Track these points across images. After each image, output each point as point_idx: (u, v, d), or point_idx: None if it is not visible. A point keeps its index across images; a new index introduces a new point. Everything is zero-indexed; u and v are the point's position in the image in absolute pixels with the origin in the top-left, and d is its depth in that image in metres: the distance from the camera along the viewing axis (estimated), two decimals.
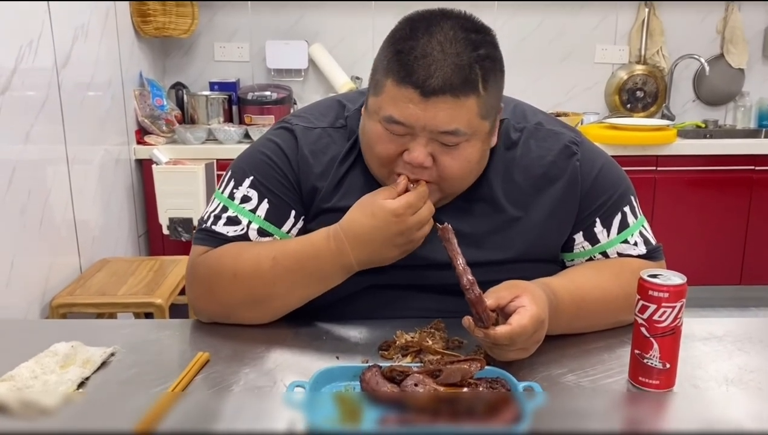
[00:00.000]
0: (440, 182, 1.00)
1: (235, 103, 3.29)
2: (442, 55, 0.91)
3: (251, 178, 1.08)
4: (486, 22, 0.98)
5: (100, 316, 2.23)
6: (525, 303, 0.88)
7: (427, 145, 0.96)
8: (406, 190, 0.98)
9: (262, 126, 3.09)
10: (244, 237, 1.06)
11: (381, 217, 0.96)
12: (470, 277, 0.88)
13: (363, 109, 1.05)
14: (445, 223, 0.93)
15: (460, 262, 0.90)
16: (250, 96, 3.20)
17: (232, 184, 1.09)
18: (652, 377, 0.88)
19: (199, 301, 1.08)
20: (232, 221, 1.07)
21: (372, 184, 1.07)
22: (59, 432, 0.79)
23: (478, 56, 0.93)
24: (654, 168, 3.11)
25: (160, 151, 2.86)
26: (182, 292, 1.19)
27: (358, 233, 0.98)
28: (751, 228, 3.20)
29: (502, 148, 1.08)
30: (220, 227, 1.07)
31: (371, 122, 1.00)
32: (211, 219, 1.08)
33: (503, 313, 0.90)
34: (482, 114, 0.96)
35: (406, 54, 0.93)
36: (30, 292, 2.03)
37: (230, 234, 1.06)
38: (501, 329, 0.86)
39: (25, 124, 2.00)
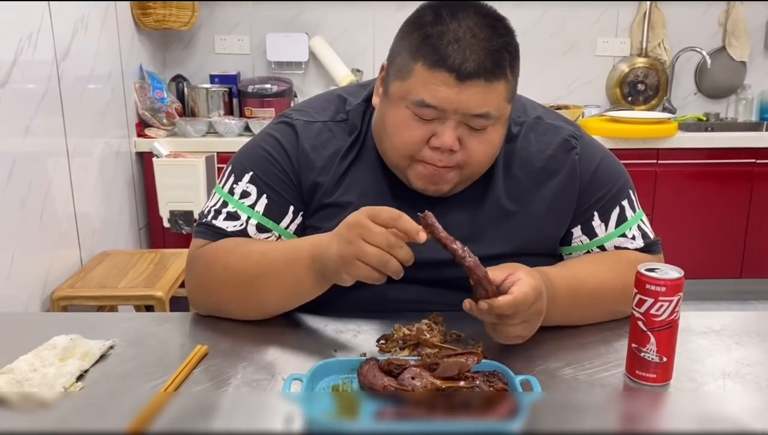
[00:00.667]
0: (463, 167, 1.00)
1: (236, 95, 3.28)
2: (474, 39, 0.93)
3: (251, 173, 1.08)
4: None
5: (100, 308, 2.24)
6: (521, 276, 0.88)
7: (456, 129, 0.96)
8: None
9: (262, 119, 3.09)
10: (243, 232, 1.07)
11: (351, 218, 0.89)
12: (462, 246, 0.86)
13: (377, 98, 1.04)
14: (426, 211, 0.88)
15: (449, 238, 0.87)
16: (250, 89, 3.20)
17: (231, 179, 1.09)
18: (649, 371, 0.88)
19: (194, 294, 1.09)
20: (232, 216, 1.07)
21: (374, 179, 1.07)
22: (56, 429, 0.79)
23: (505, 42, 0.95)
24: (655, 161, 3.10)
25: (160, 143, 2.86)
26: (182, 285, 1.19)
27: (326, 244, 0.92)
28: (751, 221, 3.20)
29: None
30: (220, 222, 1.07)
31: (395, 109, 0.99)
32: (212, 213, 1.08)
33: (499, 292, 0.89)
34: (508, 98, 0.98)
35: (436, 38, 0.93)
36: (31, 284, 2.03)
37: (230, 229, 1.07)
38: (503, 298, 0.86)
39: (25, 117, 2.01)
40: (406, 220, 0.86)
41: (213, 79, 3.34)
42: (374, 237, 0.85)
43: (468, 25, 0.94)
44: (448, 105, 0.94)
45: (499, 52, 0.94)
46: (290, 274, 0.98)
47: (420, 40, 0.95)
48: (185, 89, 3.26)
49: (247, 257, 1.02)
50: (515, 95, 1.02)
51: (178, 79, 3.33)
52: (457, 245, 0.87)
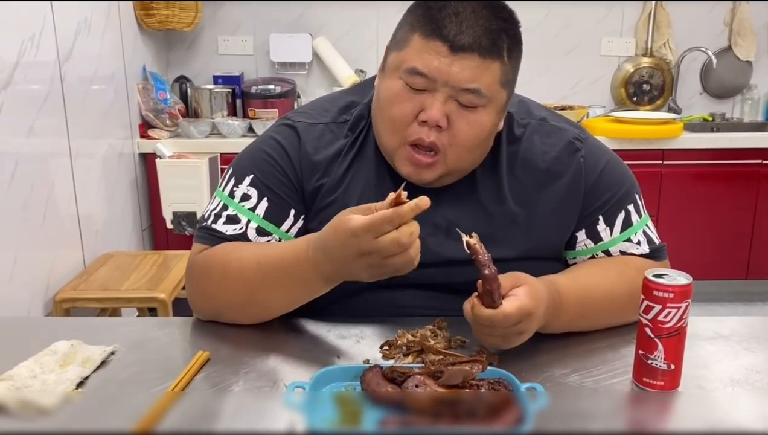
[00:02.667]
0: (449, 150, 0.98)
1: (239, 96, 3.28)
2: (474, 15, 0.94)
3: (251, 176, 1.07)
4: None
5: (103, 310, 2.24)
6: (518, 293, 0.87)
7: (444, 103, 0.96)
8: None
9: (265, 120, 3.08)
10: (243, 235, 1.05)
11: (341, 233, 0.85)
12: (485, 252, 0.86)
13: (378, 75, 1.05)
14: (473, 235, 0.87)
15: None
16: (253, 89, 3.19)
17: (232, 181, 1.08)
18: (657, 378, 0.87)
19: (194, 299, 1.08)
20: (232, 220, 1.06)
21: (375, 179, 1.06)
22: (57, 432, 0.78)
23: (506, 26, 0.96)
24: (660, 162, 3.08)
25: (163, 144, 2.85)
26: (185, 287, 1.18)
27: (324, 247, 0.89)
28: (758, 222, 3.18)
29: (505, 143, 1.07)
30: (220, 226, 1.06)
31: (389, 80, 0.99)
32: (212, 217, 1.07)
33: None
34: (502, 82, 0.98)
35: (437, 10, 0.95)
36: (33, 286, 2.03)
37: (229, 232, 1.05)
38: (484, 310, 0.85)
39: (27, 118, 2.00)
40: (403, 213, 0.82)
41: (216, 79, 3.33)
42: (393, 248, 0.83)
43: (471, 3, 0.95)
44: (439, 75, 0.94)
45: (497, 33, 0.95)
46: (297, 280, 0.96)
47: (421, 11, 0.97)
48: (188, 90, 3.25)
49: (244, 264, 1.00)
50: (513, 84, 1.02)
51: (182, 80, 3.33)
52: (481, 248, 0.86)
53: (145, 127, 2.97)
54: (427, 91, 0.96)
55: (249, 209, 1.06)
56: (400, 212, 0.82)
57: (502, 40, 0.95)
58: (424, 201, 0.83)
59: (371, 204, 0.86)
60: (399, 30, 1.01)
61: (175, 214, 2.80)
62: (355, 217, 0.84)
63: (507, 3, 1.01)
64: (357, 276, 0.89)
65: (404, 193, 0.84)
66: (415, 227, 0.84)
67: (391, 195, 0.85)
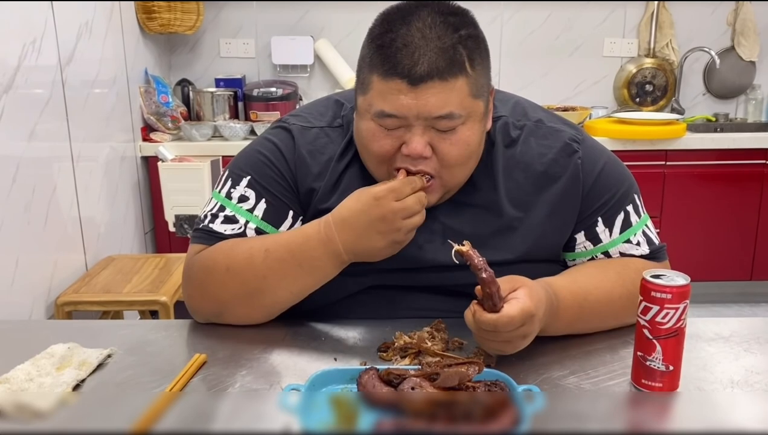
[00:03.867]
0: (441, 172, 0.98)
1: (241, 99, 3.28)
2: (423, 41, 0.91)
3: (248, 177, 1.07)
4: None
5: (105, 314, 2.24)
6: (519, 295, 0.87)
7: (423, 134, 0.95)
8: None
9: (267, 122, 3.08)
10: (242, 236, 1.05)
11: (363, 201, 0.95)
12: (479, 256, 0.86)
13: (355, 112, 1.03)
14: (465, 242, 0.87)
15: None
16: (255, 92, 3.19)
17: (229, 183, 1.08)
18: (655, 380, 0.86)
19: (193, 300, 1.07)
20: (230, 220, 1.06)
21: (369, 183, 1.06)
22: (53, 433, 0.79)
23: (460, 37, 0.92)
24: (663, 162, 3.07)
25: (165, 148, 2.86)
26: (183, 290, 1.18)
27: (343, 217, 0.96)
28: (762, 223, 3.16)
29: (501, 146, 1.07)
30: (218, 226, 1.06)
31: (363, 122, 0.98)
32: (209, 217, 1.07)
33: None
34: (473, 94, 0.95)
35: (387, 47, 0.92)
36: (35, 290, 2.03)
37: (227, 232, 1.05)
38: (487, 315, 0.85)
39: (29, 122, 2.00)
40: (409, 183, 0.95)
41: (218, 82, 3.34)
42: (415, 206, 0.96)
43: (418, 26, 0.92)
44: (407, 111, 0.93)
45: (453, 48, 0.92)
46: (306, 262, 0.99)
47: (373, 51, 0.94)
48: (190, 93, 3.25)
49: (249, 253, 1.00)
50: (487, 89, 0.99)
51: (184, 83, 3.34)
52: (475, 254, 0.86)
53: (147, 131, 2.97)
54: (403, 127, 0.95)
55: (247, 210, 1.06)
56: (415, 178, 0.96)
57: (459, 53, 0.92)
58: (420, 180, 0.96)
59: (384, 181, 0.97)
60: (360, 71, 0.99)
61: (177, 217, 2.80)
62: (373, 186, 0.96)
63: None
64: (372, 246, 0.96)
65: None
66: (421, 194, 0.96)
67: (402, 172, 0.97)
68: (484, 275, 0.84)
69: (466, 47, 0.93)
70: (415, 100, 0.92)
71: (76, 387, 0.88)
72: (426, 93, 0.92)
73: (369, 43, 0.96)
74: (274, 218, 1.06)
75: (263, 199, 1.06)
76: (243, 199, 1.06)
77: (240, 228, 1.05)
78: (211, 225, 1.06)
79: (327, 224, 0.98)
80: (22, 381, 0.87)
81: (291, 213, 1.07)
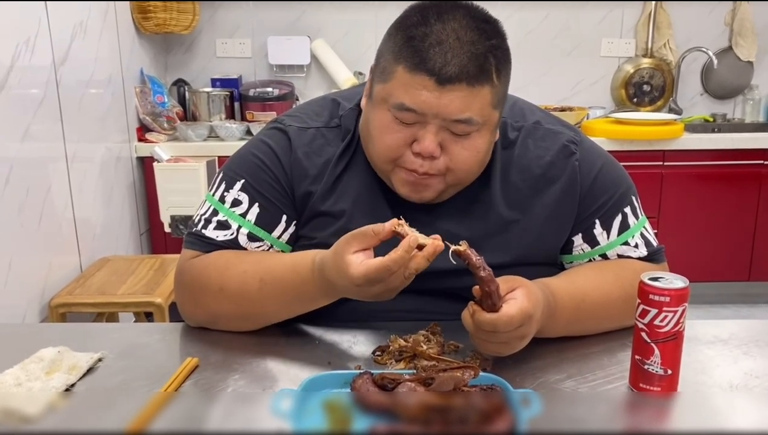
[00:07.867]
0: (447, 173, 0.97)
1: (237, 99, 3.27)
2: (458, 42, 0.90)
3: (242, 181, 1.05)
4: None
5: (100, 315, 2.22)
6: (517, 295, 0.85)
7: (437, 134, 0.93)
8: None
9: (264, 122, 3.06)
10: (234, 241, 1.04)
11: (343, 277, 0.87)
12: (478, 255, 0.84)
13: (364, 99, 1.02)
14: (462, 242, 0.85)
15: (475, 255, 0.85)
16: (252, 92, 3.18)
17: (223, 186, 1.07)
18: (653, 384, 0.85)
19: (185, 307, 1.06)
20: (222, 225, 1.04)
21: (367, 185, 1.05)
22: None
23: (491, 45, 0.92)
24: (661, 163, 3.06)
25: (161, 148, 2.84)
26: (175, 293, 1.17)
27: (328, 279, 0.91)
28: (759, 223, 3.16)
29: (499, 148, 1.05)
30: (210, 232, 1.05)
31: (378, 111, 0.96)
32: (202, 222, 1.06)
33: None
34: (494, 104, 0.94)
35: (419, 40, 0.90)
36: (29, 291, 2.02)
37: (219, 238, 1.04)
38: (486, 315, 0.83)
39: (22, 123, 1.99)
40: (397, 258, 0.83)
41: (214, 82, 3.32)
42: (397, 288, 0.86)
43: (453, 27, 0.90)
44: (428, 109, 0.91)
45: (484, 56, 0.90)
46: (302, 297, 0.97)
47: (403, 41, 0.92)
48: (186, 93, 3.24)
49: (242, 280, 0.99)
50: (504, 101, 0.98)
51: (179, 83, 3.32)
52: (473, 253, 0.84)
53: (143, 131, 2.96)
54: (418, 123, 0.94)
55: (240, 215, 1.04)
56: (398, 256, 0.82)
57: (490, 62, 0.91)
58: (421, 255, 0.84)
59: (370, 227, 0.86)
60: (381, 57, 0.96)
61: (173, 217, 2.78)
62: (351, 266, 0.85)
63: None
64: (364, 300, 0.90)
65: (403, 221, 0.85)
66: (414, 265, 0.84)
67: (394, 221, 0.85)
68: (482, 274, 0.83)
69: (495, 57, 0.92)
70: (438, 99, 0.91)
71: (66, 392, 0.87)
72: (451, 94, 0.90)
73: (398, 31, 0.94)
74: (267, 223, 1.05)
75: (256, 204, 1.05)
76: (236, 203, 1.05)
77: (232, 234, 1.04)
78: (203, 230, 1.05)
79: (321, 272, 0.92)
80: (10, 386, 0.86)
81: (284, 217, 1.06)
